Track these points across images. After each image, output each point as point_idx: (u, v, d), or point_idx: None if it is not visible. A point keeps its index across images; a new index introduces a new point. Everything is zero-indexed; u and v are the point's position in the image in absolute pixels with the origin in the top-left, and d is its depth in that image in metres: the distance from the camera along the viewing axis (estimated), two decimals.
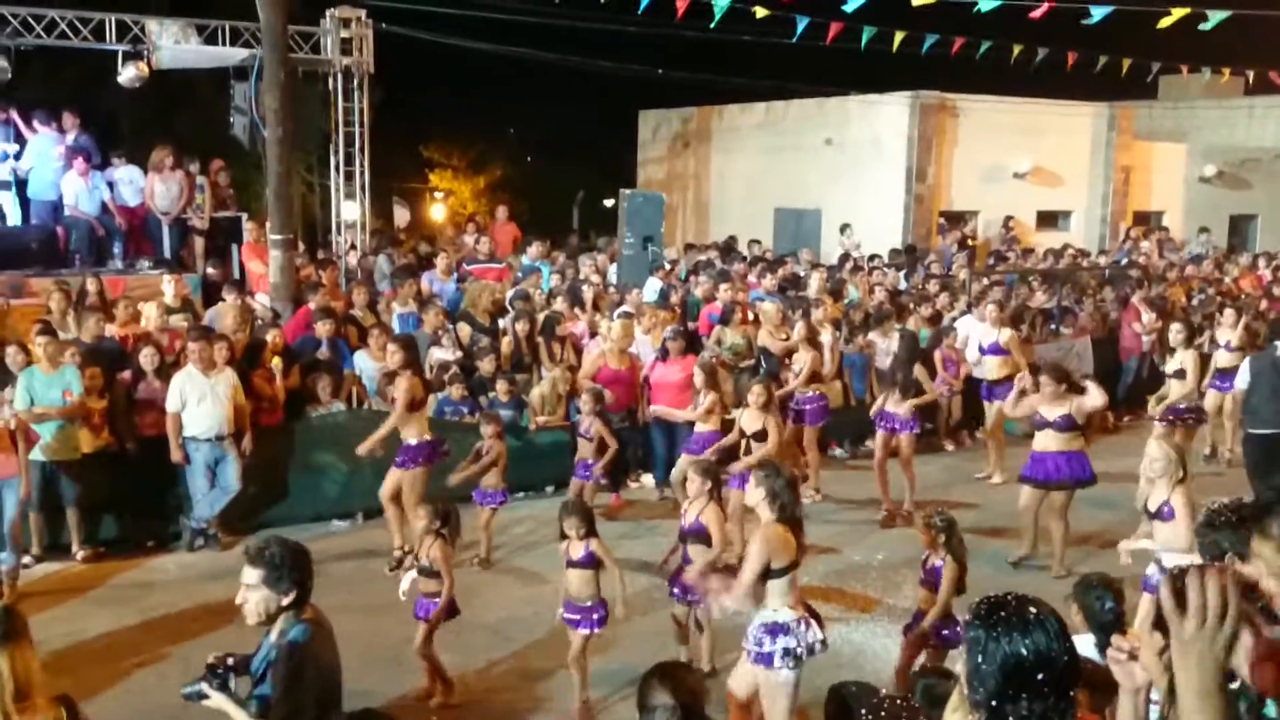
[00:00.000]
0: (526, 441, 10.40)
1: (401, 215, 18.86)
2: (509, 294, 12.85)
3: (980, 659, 2.53)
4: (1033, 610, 2.56)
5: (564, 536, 6.27)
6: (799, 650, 5.14)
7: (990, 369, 11.79)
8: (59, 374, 8.74)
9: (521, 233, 16.67)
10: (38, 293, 11.69)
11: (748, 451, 8.65)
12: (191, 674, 3.73)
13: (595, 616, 6.22)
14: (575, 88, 28.94)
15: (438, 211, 34.98)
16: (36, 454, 8.51)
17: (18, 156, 13.58)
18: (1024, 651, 2.49)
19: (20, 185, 13.60)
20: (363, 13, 13.69)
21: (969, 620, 2.59)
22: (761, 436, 8.63)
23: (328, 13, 13.57)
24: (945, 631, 6.03)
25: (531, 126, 38.43)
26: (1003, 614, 2.55)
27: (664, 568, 7.19)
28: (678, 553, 6.74)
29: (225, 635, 7.26)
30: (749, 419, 8.79)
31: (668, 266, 14.79)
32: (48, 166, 13.54)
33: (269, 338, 10.22)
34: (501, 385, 10.40)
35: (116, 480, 9.18)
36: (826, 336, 11.77)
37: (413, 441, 8.57)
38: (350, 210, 15.16)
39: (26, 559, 8.51)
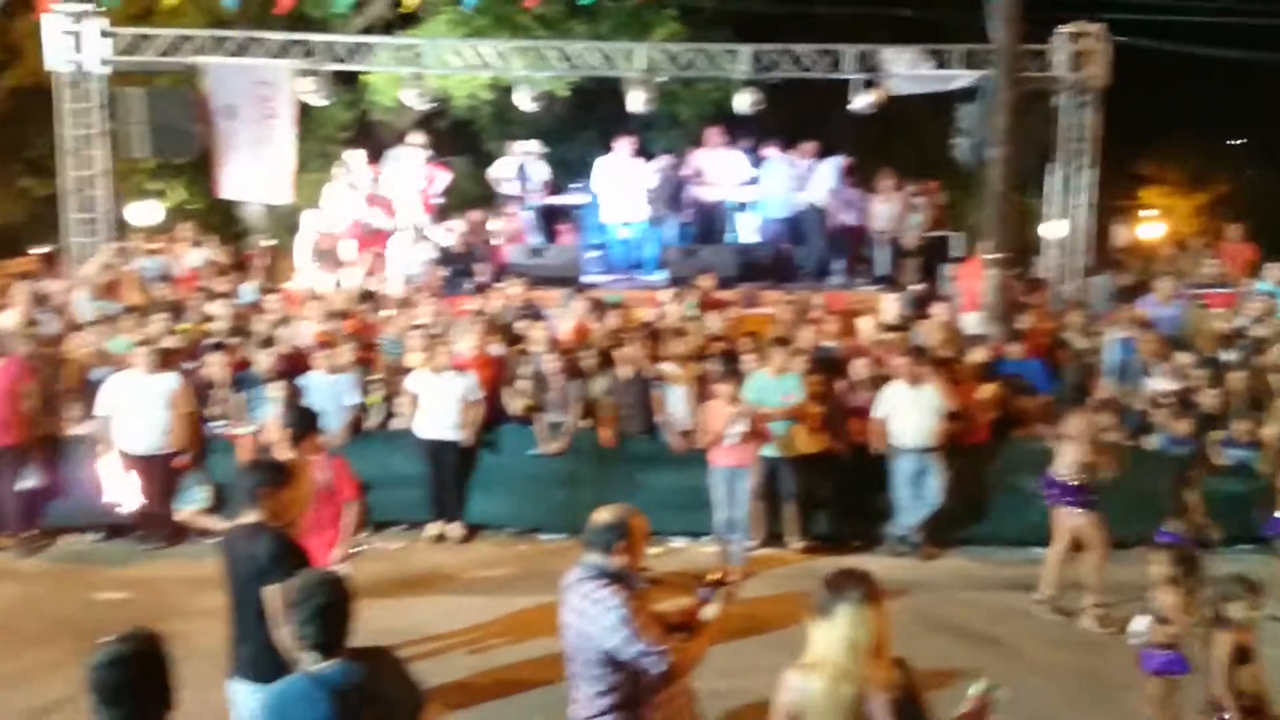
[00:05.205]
0: (1253, 489, 9.40)
1: (1119, 234, 18.00)
2: (1236, 322, 11.72)
3: None
4: None
5: None
6: None
7: None
8: (781, 380, 9.55)
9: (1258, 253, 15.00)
10: (769, 304, 12.89)
11: None
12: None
13: None
14: None
15: (1150, 230, 32.85)
16: (765, 450, 9.39)
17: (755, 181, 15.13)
18: None
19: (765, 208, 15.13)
20: (1097, 27, 13.32)
21: None
22: None
23: (1058, 29, 13.41)
24: None
25: (1258, 137, 34.52)
26: None
27: None
28: None
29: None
30: None
31: None
32: (780, 189, 14.93)
33: (973, 357, 10.33)
34: (1241, 426, 9.54)
35: (830, 480, 9.81)
36: None
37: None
38: (1060, 229, 14.81)
39: (751, 543, 9.38)
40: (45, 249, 16.08)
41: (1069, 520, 8.11)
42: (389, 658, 3.88)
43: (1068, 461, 8.06)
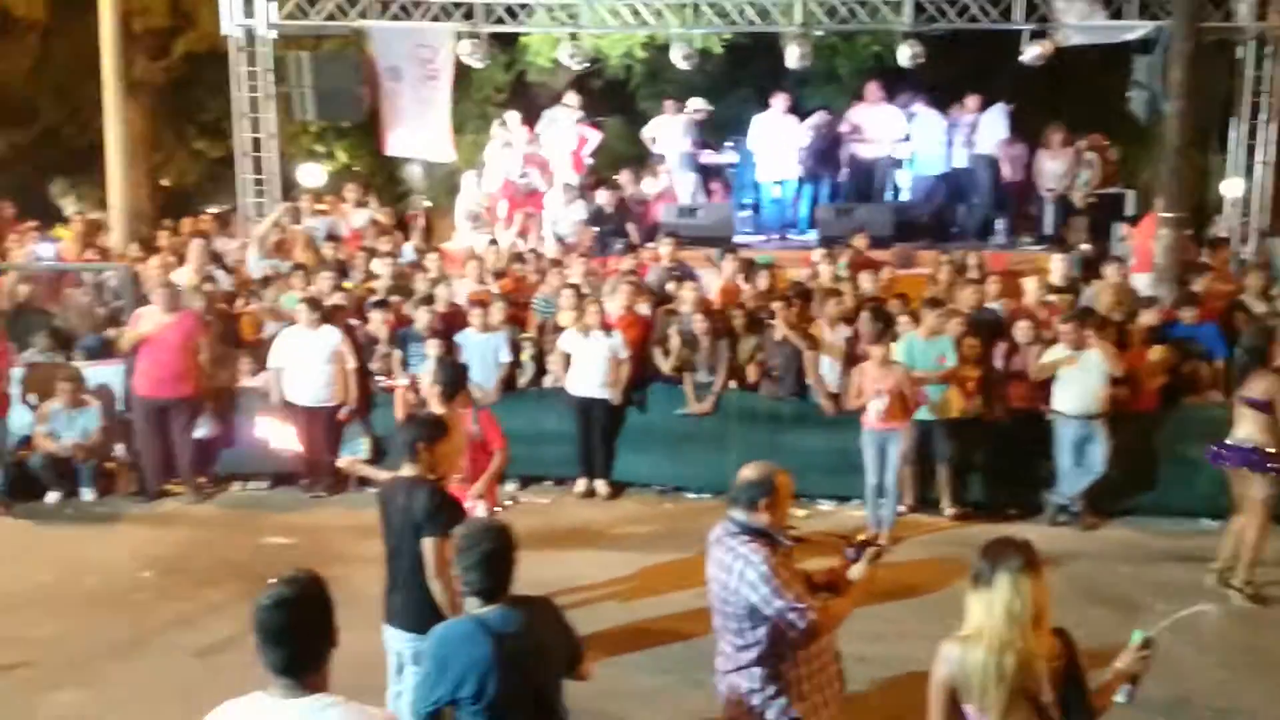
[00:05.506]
0: None
1: None
2: None
3: None
4: None
5: None
6: None
7: None
8: (935, 342, 9.32)
9: None
10: (925, 264, 12.58)
11: None
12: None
13: None
14: None
15: None
16: (918, 413, 9.17)
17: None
18: None
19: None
20: None
21: None
22: None
23: None
24: None
25: None
26: None
27: None
28: None
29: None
30: None
31: None
32: (932, 145, 14.50)
33: (1143, 320, 9.92)
34: None
35: (986, 445, 9.55)
36: None
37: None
38: (1240, 187, 14.04)
39: (900, 508, 9.21)
40: (219, 209, 16.84)
41: (1256, 490, 7.64)
42: (549, 606, 3.99)
43: (1262, 428, 7.56)
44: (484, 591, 3.79)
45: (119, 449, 10.34)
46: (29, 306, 11.33)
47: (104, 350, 10.75)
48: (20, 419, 10.05)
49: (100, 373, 10.40)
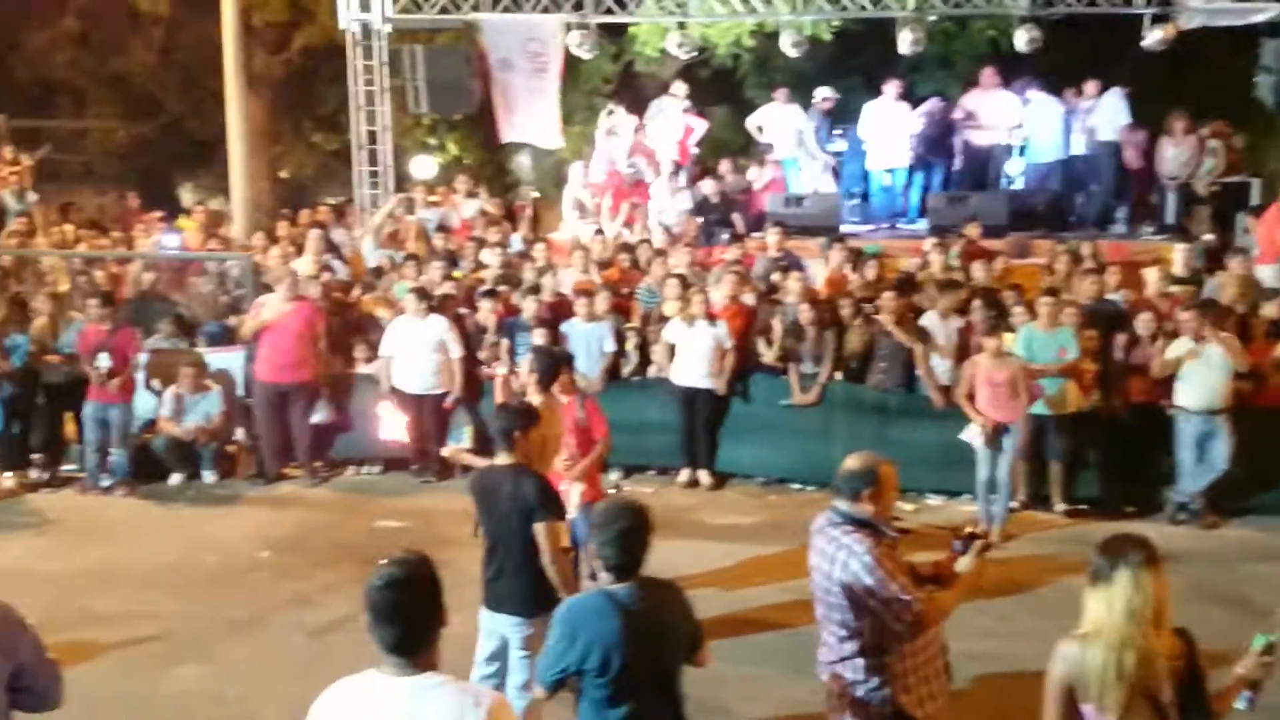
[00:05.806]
0: None
1: None
2: None
3: None
4: None
5: None
6: None
7: None
8: (1055, 334, 9.11)
9: None
10: (1040, 254, 12.28)
11: None
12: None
13: None
14: None
15: None
16: (1033, 407, 8.96)
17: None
18: None
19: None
20: None
21: None
22: None
23: None
24: None
25: None
26: None
27: None
28: None
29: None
30: None
31: None
32: (1047, 132, 14.13)
33: (1267, 312, 9.55)
34: None
35: (1103, 441, 9.30)
36: None
37: None
38: None
39: (1013, 504, 9.00)
40: (335, 200, 17.27)
41: None
42: (676, 590, 4.07)
43: None
44: (617, 568, 3.86)
45: (239, 433, 10.67)
46: (154, 294, 11.76)
47: (225, 337, 11.09)
48: (145, 403, 10.43)
49: (222, 359, 10.74)
